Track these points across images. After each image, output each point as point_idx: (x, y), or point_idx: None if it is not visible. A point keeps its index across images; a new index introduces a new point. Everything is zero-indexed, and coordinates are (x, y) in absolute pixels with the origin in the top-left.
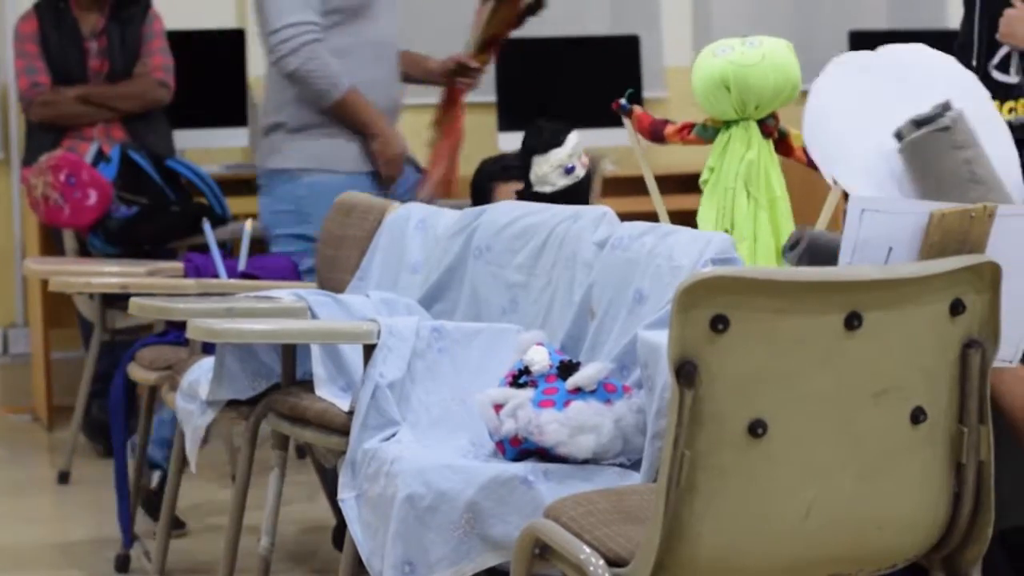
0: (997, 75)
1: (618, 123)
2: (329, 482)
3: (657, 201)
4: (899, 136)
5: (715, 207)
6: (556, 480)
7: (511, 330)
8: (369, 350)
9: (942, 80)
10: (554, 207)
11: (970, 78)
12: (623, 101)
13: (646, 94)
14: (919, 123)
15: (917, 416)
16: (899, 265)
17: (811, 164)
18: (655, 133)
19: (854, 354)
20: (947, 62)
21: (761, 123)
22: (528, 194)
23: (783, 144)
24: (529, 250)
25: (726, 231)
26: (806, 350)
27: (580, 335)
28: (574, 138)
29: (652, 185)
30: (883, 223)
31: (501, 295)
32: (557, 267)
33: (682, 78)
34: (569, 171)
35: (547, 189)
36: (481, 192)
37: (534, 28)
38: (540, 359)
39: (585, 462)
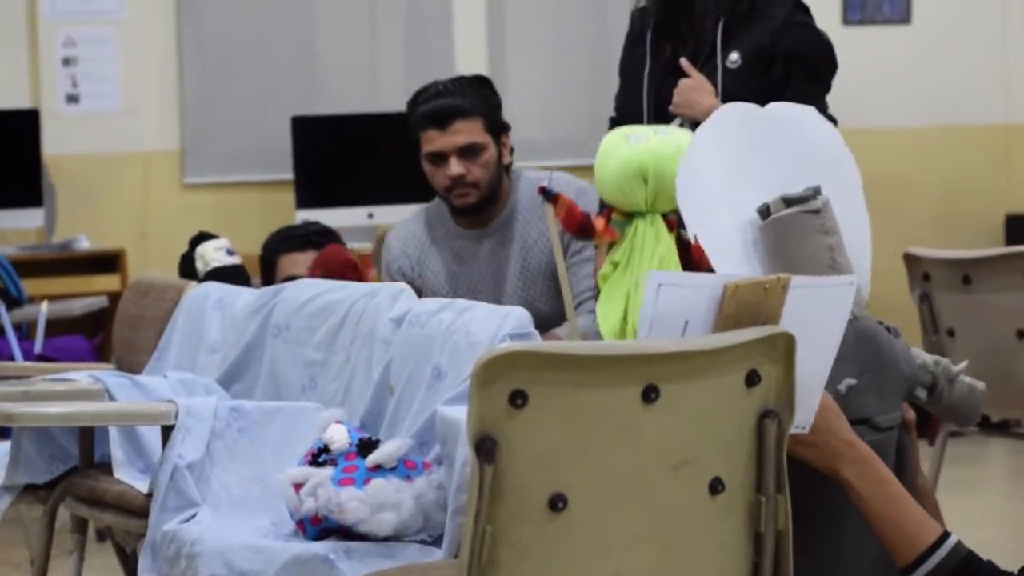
0: None
1: (414, 199)
2: (130, 565)
3: (568, 304)
4: (765, 211)
5: (621, 304)
6: (358, 558)
7: (310, 408)
8: (167, 431)
9: (822, 155)
10: (351, 284)
11: (849, 158)
12: (548, 184)
13: None
14: (789, 202)
15: (715, 487)
16: (695, 338)
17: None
18: (584, 227)
19: (652, 426)
20: (831, 135)
21: (663, 216)
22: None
23: (679, 241)
24: (327, 327)
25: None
26: (604, 423)
27: (379, 412)
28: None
29: (565, 282)
30: (679, 297)
31: (300, 373)
32: (356, 344)
33: None
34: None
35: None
36: (268, 266)
37: (331, 105)
38: (339, 437)
39: (386, 539)
